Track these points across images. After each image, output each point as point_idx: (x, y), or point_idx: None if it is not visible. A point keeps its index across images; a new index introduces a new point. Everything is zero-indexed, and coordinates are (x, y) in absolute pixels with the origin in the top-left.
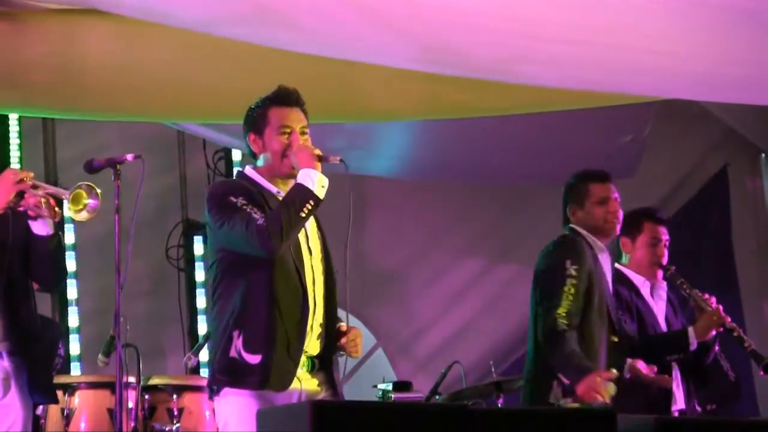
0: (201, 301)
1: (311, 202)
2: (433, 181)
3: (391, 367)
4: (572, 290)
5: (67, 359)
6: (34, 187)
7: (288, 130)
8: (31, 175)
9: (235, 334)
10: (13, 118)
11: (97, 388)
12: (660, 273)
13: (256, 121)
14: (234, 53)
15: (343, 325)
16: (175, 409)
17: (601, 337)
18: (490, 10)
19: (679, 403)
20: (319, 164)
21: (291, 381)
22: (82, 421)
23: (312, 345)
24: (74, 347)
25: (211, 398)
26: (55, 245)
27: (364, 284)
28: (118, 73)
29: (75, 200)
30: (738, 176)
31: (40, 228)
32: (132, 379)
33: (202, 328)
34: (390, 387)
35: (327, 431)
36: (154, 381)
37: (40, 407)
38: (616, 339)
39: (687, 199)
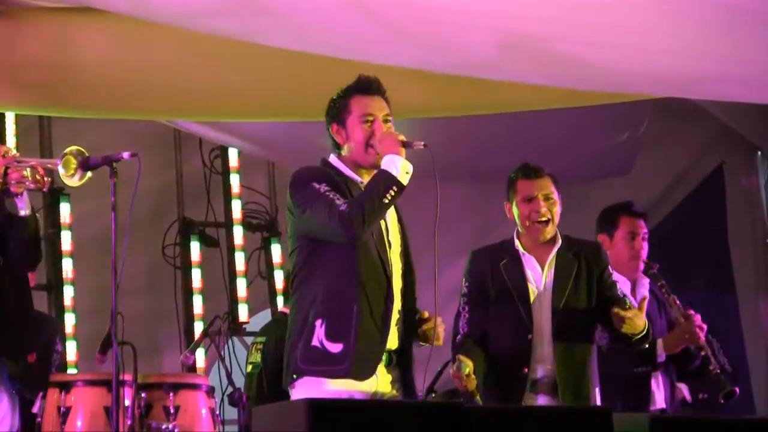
0: (197, 300)
1: (395, 188)
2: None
3: None
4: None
5: (63, 357)
6: (18, 161)
7: (371, 119)
8: (13, 149)
9: (318, 323)
10: (9, 117)
11: (93, 385)
12: (641, 266)
13: (338, 111)
14: (230, 51)
15: (425, 312)
16: (171, 407)
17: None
18: (486, 8)
19: (659, 403)
20: (403, 150)
21: (374, 370)
22: (79, 419)
23: (391, 339)
24: (70, 346)
25: (286, 387)
26: (34, 226)
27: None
28: (114, 71)
29: (65, 166)
30: (734, 174)
31: (18, 207)
32: (128, 377)
33: (199, 326)
34: None
35: (323, 429)
36: (151, 379)
37: (37, 404)
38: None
39: (683, 197)
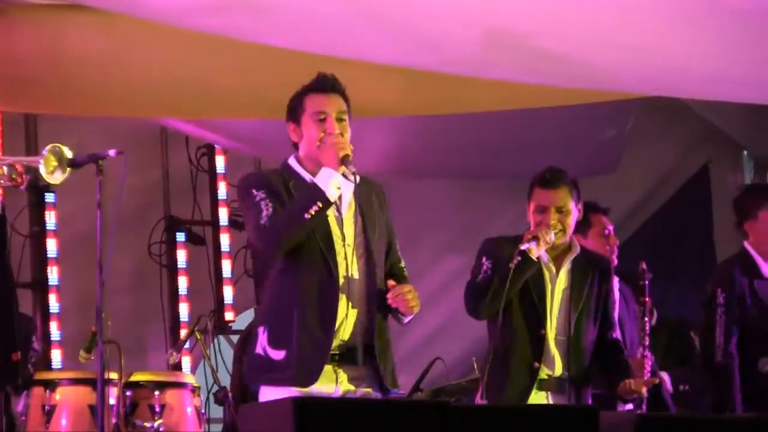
0: (183, 298)
1: (319, 204)
2: (415, 178)
3: None
4: None
5: (48, 355)
6: None
7: (323, 116)
8: None
9: (261, 330)
10: None
11: (78, 384)
12: (614, 262)
13: (293, 110)
14: (218, 49)
15: (391, 282)
16: (156, 406)
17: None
18: (471, 3)
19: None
20: (341, 166)
21: (318, 375)
22: (63, 417)
23: (349, 336)
24: (55, 344)
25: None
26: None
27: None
28: (101, 68)
29: (46, 164)
30: (720, 173)
31: None
32: (114, 376)
33: (185, 324)
34: None
35: (310, 428)
36: (136, 377)
37: (21, 403)
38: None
39: (669, 196)
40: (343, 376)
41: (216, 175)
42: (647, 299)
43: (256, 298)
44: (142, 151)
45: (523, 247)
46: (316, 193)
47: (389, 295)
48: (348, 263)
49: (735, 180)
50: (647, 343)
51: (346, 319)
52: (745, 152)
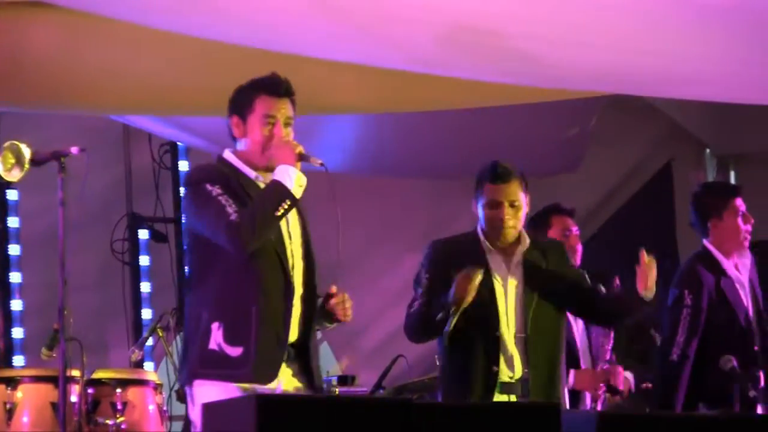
0: (145, 295)
1: (288, 202)
2: (379, 176)
3: (335, 361)
4: None
5: (10, 351)
6: None
7: (272, 121)
8: None
9: (215, 326)
10: None
11: (40, 381)
12: (578, 261)
13: (241, 105)
14: (180, 46)
15: (333, 288)
16: (118, 403)
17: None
18: (442, 4)
19: (587, 403)
20: (298, 163)
21: (277, 372)
22: (25, 415)
23: (292, 333)
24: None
25: (184, 387)
26: None
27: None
28: (63, 65)
29: (2, 161)
30: (682, 172)
31: None
32: (76, 373)
33: (147, 322)
34: (334, 381)
35: (272, 425)
36: (98, 375)
37: None
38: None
39: (631, 194)
40: (286, 372)
41: (179, 173)
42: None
43: (189, 289)
44: (105, 148)
45: (446, 329)
46: (283, 191)
47: (333, 301)
48: (294, 262)
49: (698, 178)
50: (608, 357)
51: (292, 318)
52: (708, 150)
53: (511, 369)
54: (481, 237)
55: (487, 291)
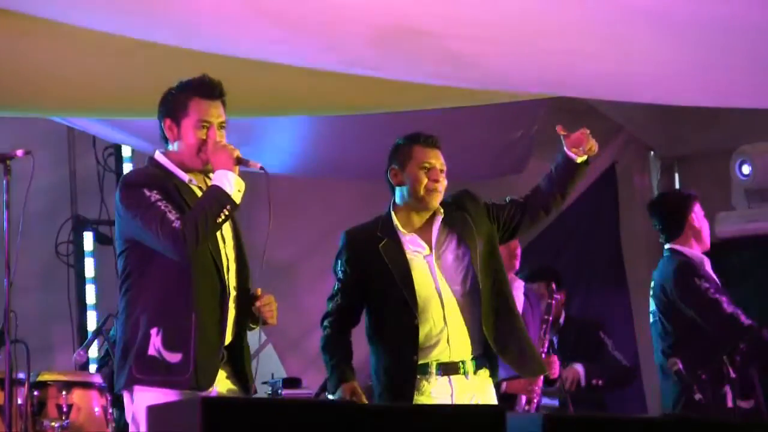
0: (90, 298)
1: (228, 207)
2: (323, 178)
3: (281, 363)
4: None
5: None
6: None
7: (207, 125)
8: None
9: (153, 331)
10: None
11: None
12: (517, 266)
13: (174, 108)
14: (124, 48)
15: (258, 290)
16: (64, 406)
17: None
18: (383, 5)
19: (522, 405)
20: (237, 167)
21: (215, 378)
22: None
23: (226, 336)
24: None
25: (120, 391)
26: None
27: (253, 280)
28: (7, 67)
29: None
30: (626, 174)
31: None
32: (21, 376)
33: (92, 324)
34: (280, 383)
35: (217, 428)
36: (44, 377)
37: None
38: None
39: (576, 197)
40: (221, 374)
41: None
42: (550, 317)
43: (125, 294)
44: (49, 151)
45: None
46: (223, 197)
47: (258, 303)
48: (228, 264)
49: (642, 181)
50: (545, 349)
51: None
52: (652, 153)
53: (444, 350)
54: (394, 219)
55: (400, 278)
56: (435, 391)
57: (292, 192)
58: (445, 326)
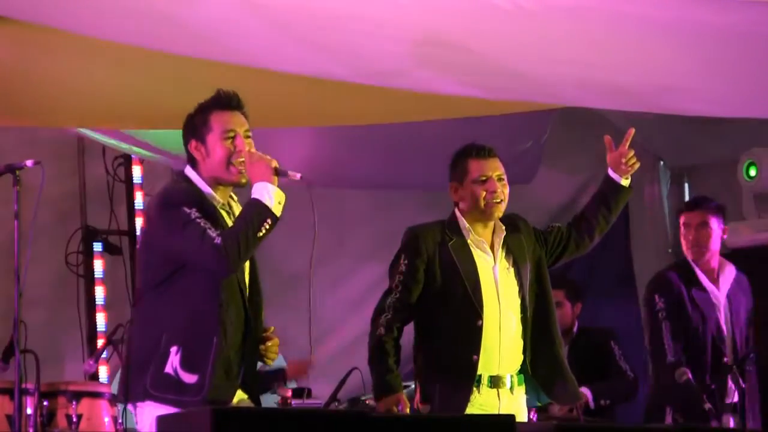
0: (100, 308)
1: (269, 221)
2: (333, 187)
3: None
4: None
5: None
6: None
7: (232, 135)
8: None
9: (173, 349)
10: None
11: None
12: None
13: (197, 128)
14: (134, 59)
15: (271, 328)
16: (74, 416)
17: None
18: (387, 16)
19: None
20: (276, 178)
21: (229, 402)
22: None
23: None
24: None
25: (133, 402)
26: None
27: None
28: (18, 78)
29: None
30: (637, 184)
31: None
32: (31, 386)
33: (102, 334)
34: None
35: None
36: (53, 387)
37: None
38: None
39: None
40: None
41: (133, 185)
42: None
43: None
44: (59, 161)
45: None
46: (264, 210)
47: (264, 347)
48: (245, 289)
49: (652, 190)
50: None
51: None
52: (662, 162)
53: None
54: (462, 221)
55: (467, 278)
56: (484, 403)
57: (300, 201)
58: (500, 336)
